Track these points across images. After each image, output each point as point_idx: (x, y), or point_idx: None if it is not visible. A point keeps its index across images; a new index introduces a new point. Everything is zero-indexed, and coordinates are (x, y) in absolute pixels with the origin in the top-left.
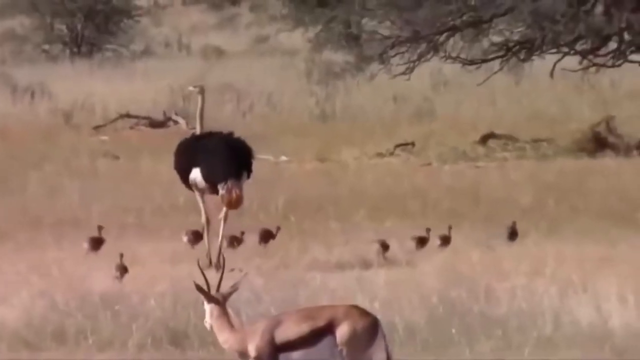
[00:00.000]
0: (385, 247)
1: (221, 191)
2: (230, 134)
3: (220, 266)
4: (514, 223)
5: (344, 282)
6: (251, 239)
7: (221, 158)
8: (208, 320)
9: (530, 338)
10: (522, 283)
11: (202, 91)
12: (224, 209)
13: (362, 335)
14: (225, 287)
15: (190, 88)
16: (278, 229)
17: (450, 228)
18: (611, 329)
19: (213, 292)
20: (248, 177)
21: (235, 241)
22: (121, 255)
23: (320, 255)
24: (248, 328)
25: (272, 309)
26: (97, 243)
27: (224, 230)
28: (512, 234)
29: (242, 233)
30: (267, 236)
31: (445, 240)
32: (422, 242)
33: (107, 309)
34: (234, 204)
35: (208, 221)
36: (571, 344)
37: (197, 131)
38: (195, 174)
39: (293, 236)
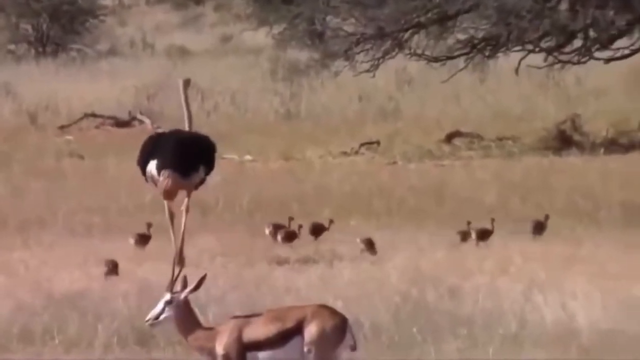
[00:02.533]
0: (370, 244)
1: (160, 179)
2: (191, 132)
3: (182, 262)
4: (547, 217)
5: (309, 281)
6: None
7: (169, 150)
8: (160, 316)
9: (495, 337)
10: (487, 282)
11: (186, 84)
12: (185, 200)
13: (331, 335)
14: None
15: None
16: (331, 221)
17: (493, 220)
18: (577, 328)
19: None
20: (208, 173)
21: (289, 236)
22: (111, 262)
23: (285, 254)
24: (218, 327)
25: (237, 308)
26: (144, 239)
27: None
28: (538, 228)
29: (300, 226)
30: (319, 230)
31: (485, 234)
32: (485, 234)
33: (73, 309)
34: (166, 194)
35: (172, 216)
36: (537, 343)
37: (186, 124)
38: (151, 167)
39: (257, 235)
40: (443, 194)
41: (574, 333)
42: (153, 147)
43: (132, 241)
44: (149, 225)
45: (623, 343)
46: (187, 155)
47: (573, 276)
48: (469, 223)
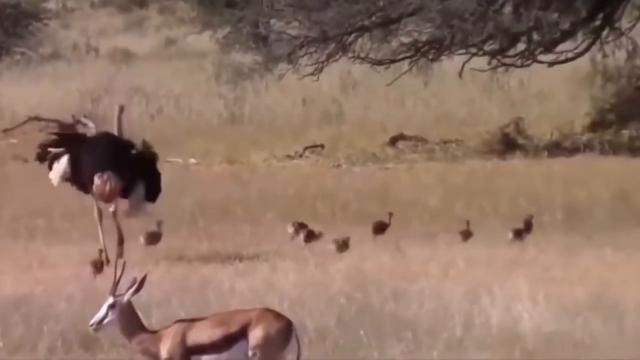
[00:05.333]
0: (344, 244)
1: (97, 182)
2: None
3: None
4: (531, 216)
5: (254, 284)
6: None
7: (103, 152)
8: (104, 320)
9: (440, 340)
10: (431, 285)
11: (120, 111)
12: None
13: (276, 339)
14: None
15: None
16: (391, 214)
17: (532, 216)
18: (521, 331)
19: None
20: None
21: (311, 236)
22: (100, 251)
23: (229, 258)
24: (162, 330)
25: (181, 312)
26: (154, 238)
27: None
28: (527, 228)
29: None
30: (381, 227)
31: (466, 235)
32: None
33: (18, 312)
34: (107, 197)
35: (101, 218)
36: (481, 346)
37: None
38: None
39: (202, 239)
40: (387, 197)
41: (518, 336)
42: (74, 148)
43: (142, 240)
44: (159, 223)
45: (566, 346)
46: (122, 158)
47: (517, 279)
48: (468, 222)
